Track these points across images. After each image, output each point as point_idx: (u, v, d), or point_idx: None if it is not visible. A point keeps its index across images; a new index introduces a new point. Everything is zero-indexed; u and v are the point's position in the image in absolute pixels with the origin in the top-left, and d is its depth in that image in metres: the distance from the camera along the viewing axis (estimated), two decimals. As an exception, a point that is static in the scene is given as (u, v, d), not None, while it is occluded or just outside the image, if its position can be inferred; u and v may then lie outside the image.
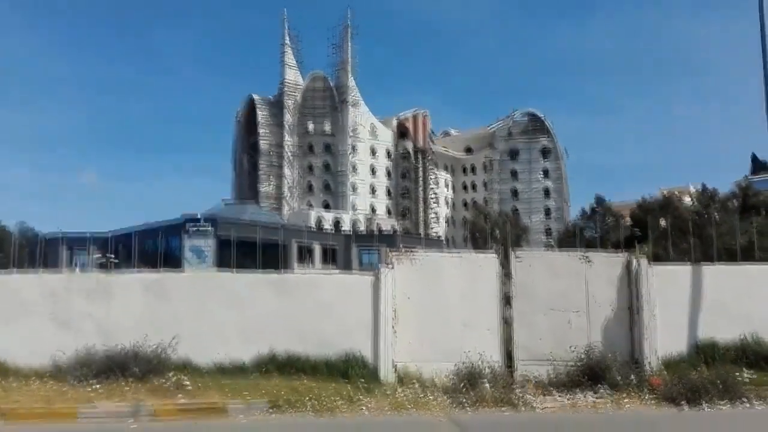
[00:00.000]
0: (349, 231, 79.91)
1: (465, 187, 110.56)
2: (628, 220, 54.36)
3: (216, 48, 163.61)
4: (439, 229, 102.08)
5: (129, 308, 15.30)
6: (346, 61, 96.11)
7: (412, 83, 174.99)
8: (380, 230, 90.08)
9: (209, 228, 47.70)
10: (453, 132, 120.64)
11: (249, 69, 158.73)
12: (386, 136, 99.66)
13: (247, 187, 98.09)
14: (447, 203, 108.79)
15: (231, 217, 50.60)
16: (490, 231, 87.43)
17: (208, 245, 47.92)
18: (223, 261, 42.52)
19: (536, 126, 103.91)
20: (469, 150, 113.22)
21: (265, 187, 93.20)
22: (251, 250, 41.94)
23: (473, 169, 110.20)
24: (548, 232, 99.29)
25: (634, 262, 16.18)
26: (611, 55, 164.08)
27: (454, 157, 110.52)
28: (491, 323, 15.54)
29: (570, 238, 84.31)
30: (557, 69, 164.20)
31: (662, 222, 44.31)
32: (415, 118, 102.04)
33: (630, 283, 16.13)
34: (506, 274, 16.56)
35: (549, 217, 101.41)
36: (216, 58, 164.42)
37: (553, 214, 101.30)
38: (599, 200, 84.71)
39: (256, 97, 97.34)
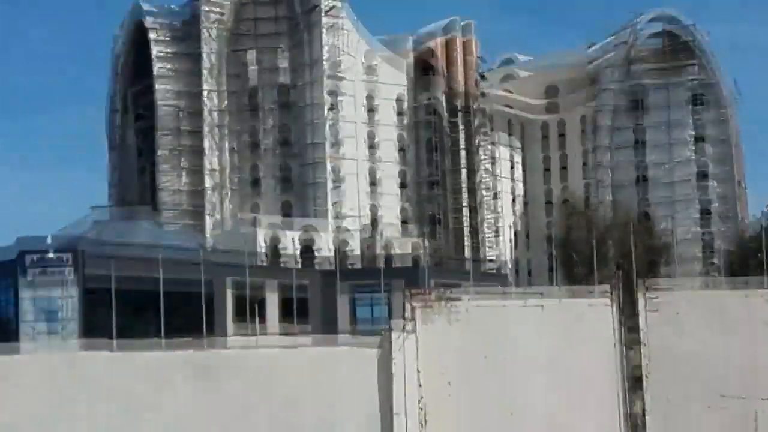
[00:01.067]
0: (331, 261, 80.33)
1: (547, 167, 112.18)
2: None
3: None
4: (501, 248, 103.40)
5: None
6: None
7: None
8: (389, 257, 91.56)
9: (67, 265, 48.28)
10: (521, 59, 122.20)
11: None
12: (396, 77, 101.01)
13: (135, 182, 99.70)
14: (513, 197, 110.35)
15: (108, 241, 50.77)
16: (597, 248, 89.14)
17: (67, 296, 48.61)
18: (94, 325, 43.20)
19: (678, 45, 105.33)
20: (552, 96, 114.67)
21: (169, 183, 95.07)
22: (149, 303, 42.37)
23: (562, 132, 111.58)
24: (709, 246, 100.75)
25: None
26: None
27: (524, 112, 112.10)
28: (605, 422, 16.10)
29: (751, 258, 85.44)
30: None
31: None
32: (448, 41, 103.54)
33: None
34: (631, 329, 17.13)
35: (709, 217, 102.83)
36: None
37: (718, 211, 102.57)
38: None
39: (147, 10, 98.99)
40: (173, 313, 45.60)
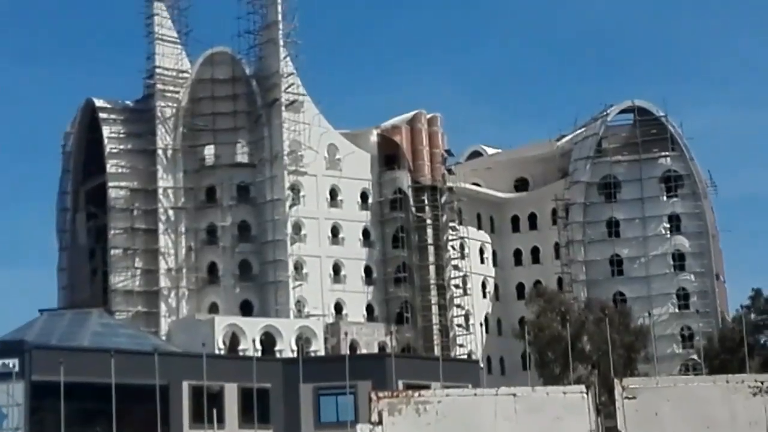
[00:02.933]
0: (293, 354, 79.53)
1: (518, 256, 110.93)
2: None
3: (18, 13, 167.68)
4: (472, 341, 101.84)
5: None
6: (274, 25, 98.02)
7: (402, 66, 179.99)
8: (354, 350, 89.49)
9: (12, 366, 47.16)
10: (489, 151, 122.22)
11: (87, 52, 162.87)
12: (360, 171, 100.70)
13: (87, 279, 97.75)
14: (485, 289, 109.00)
15: (56, 341, 50.56)
16: (571, 342, 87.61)
17: (12, 400, 47.41)
18: (44, 428, 41.97)
19: (651, 131, 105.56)
20: (522, 183, 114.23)
21: (123, 279, 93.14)
22: (101, 404, 40.99)
23: (533, 221, 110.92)
24: (686, 338, 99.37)
25: None
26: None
27: (493, 199, 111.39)
28: None
29: (731, 350, 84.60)
30: (676, 21, 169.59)
31: None
32: (413, 125, 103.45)
33: None
34: (610, 429, 17.37)
35: (686, 307, 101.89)
36: (20, 32, 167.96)
37: (695, 300, 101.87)
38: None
39: (99, 102, 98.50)
40: (127, 416, 43.91)
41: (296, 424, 51.80)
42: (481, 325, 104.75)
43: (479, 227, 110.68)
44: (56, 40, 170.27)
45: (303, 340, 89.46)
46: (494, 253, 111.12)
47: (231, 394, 52.33)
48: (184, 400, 50.40)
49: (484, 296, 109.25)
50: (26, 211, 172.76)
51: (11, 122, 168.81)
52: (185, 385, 50.35)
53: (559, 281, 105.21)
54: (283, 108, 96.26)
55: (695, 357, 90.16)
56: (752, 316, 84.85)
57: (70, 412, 42.05)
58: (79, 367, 45.42)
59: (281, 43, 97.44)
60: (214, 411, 49.24)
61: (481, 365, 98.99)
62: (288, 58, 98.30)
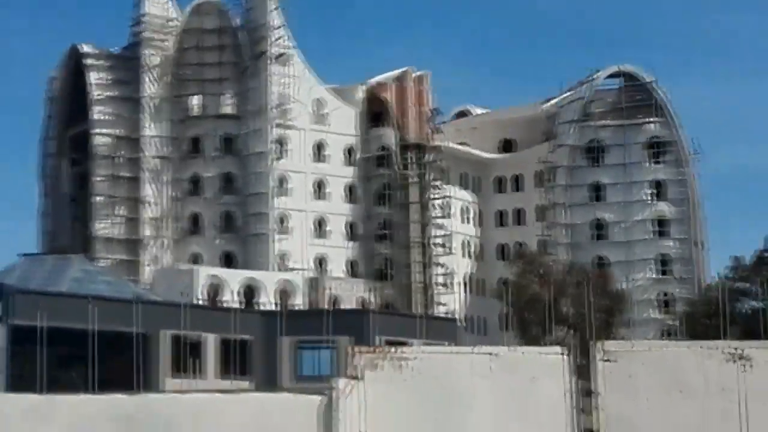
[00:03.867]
0: (274, 307, 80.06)
1: (501, 217, 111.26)
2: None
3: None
4: (453, 300, 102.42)
5: None
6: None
7: (392, 24, 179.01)
8: (335, 304, 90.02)
9: None
10: (477, 112, 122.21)
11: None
12: (345, 121, 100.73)
13: (68, 226, 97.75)
14: (467, 248, 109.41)
15: (36, 286, 50.86)
16: (551, 303, 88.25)
17: None
18: (23, 371, 42.40)
19: (637, 97, 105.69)
20: (508, 145, 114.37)
21: (105, 226, 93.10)
22: (79, 351, 41.46)
23: (517, 182, 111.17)
24: (665, 303, 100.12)
25: None
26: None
27: (479, 159, 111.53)
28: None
29: (709, 316, 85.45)
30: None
31: None
32: (401, 82, 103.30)
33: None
34: (588, 392, 17.33)
35: (666, 273, 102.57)
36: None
37: (676, 267, 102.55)
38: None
39: (85, 48, 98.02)
40: (107, 362, 44.48)
41: (275, 376, 52.42)
42: (463, 284, 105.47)
43: (464, 187, 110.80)
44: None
45: (284, 293, 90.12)
46: (478, 214, 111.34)
47: (211, 344, 52.78)
48: (163, 350, 50.79)
49: (466, 256, 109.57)
50: (8, 156, 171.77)
51: (3, 69, 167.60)
52: (165, 334, 50.70)
53: (543, 243, 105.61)
54: (270, 61, 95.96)
55: (673, 323, 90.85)
56: (733, 284, 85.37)
57: (50, 357, 42.36)
58: (60, 312, 45.76)
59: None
60: (194, 361, 49.66)
61: (462, 324, 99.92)
62: (277, 11, 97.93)
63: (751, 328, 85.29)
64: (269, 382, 49.03)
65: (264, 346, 54.33)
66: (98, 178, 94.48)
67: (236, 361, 51.23)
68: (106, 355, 43.88)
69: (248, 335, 52.90)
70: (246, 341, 52.83)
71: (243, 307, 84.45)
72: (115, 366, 44.05)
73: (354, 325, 54.47)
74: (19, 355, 44.55)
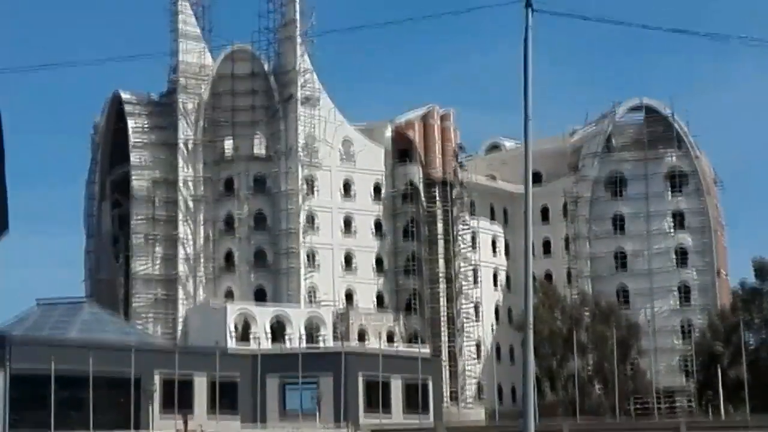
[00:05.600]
0: (303, 342, 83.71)
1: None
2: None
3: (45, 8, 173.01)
4: (480, 330, 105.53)
5: None
6: (291, 23, 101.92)
7: (415, 66, 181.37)
8: (363, 338, 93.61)
9: None
10: (507, 143, 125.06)
11: (113, 46, 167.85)
12: (373, 158, 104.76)
13: (110, 264, 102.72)
14: (497, 280, 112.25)
15: (47, 332, 53.48)
16: (569, 335, 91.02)
17: None
18: (22, 416, 44.74)
19: (658, 130, 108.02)
20: (535, 177, 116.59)
21: (143, 265, 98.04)
22: (78, 394, 44.86)
23: (545, 214, 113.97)
24: (688, 332, 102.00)
25: None
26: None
27: (506, 192, 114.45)
28: None
29: (723, 339, 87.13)
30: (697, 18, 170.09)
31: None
32: (426, 120, 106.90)
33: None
34: None
35: (688, 302, 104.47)
36: (50, 25, 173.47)
37: (696, 296, 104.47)
38: (760, 267, 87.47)
39: (125, 95, 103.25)
40: (104, 406, 47.32)
41: (263, 413, 54.88)
42: (493, 314, 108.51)
43: (492, 219, 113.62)
44: (90, 35, 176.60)
45: (313, 327, 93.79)
46: (507, 245, 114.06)
47: (201, 384, 55.66)
48: (157, 389, 53.71)
49: (496, 287, 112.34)
50: (56, 196, 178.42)
51: (51, 114, 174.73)
52: (157, 375, 53.71)
53: (569, 273, 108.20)
54: (298, 103, 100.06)
55: (689, 353, 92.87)
56: (742, 314, 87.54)
57: (50, 401, 45.13)
58: (60, 358, 48.95)
59: (299, 40, 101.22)
60: (184, 400, 52.34)
61: (491, 347, 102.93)
62: (305, 55, 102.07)
63: (758, 357, 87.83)
64: (257, 419, 51.65)
65: (252, 385, 57.16)
66: (137, 219, 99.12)
67: (225, 399, 53.97)
68: (103, 397, 46.78)
69: (237, 373, 55.91)
70: (235, 381, 55.80)
71: (272, 341, 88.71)
72: (112, 407, 46.93)
73: (335, 364, 57.16)
74: (18, 399, 47.65)
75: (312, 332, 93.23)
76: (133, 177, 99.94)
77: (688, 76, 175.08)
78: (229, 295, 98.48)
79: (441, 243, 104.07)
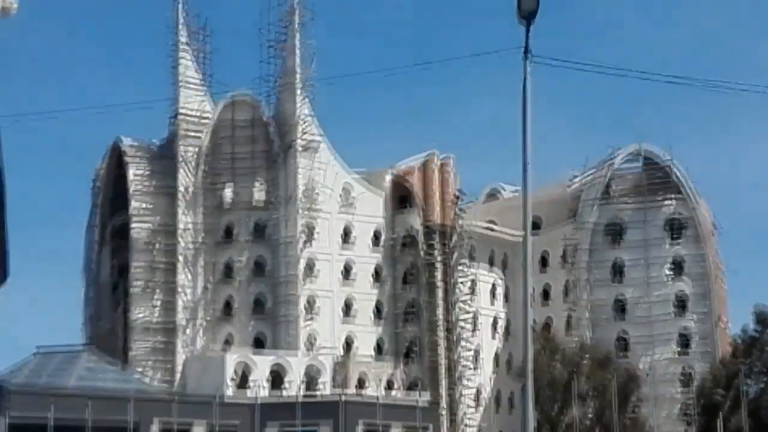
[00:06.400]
0: (301, 389, 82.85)
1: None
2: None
3: (54, 53, 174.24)
4: (480, 377, 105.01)
5: None
6: (291, 71, 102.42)
7: (415, 113, 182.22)
8: (362, 385, 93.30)
9: None
10: (506, 189, 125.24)
11: (115, 93, 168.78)
12: (372, 205, 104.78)
13: (109, 312, 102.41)
14: (496, 327, 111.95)
15: (46, 380, 53.44)
16: (568, 382, 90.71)
17: None
18: None
19: (657, 177, 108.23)
20: (535, 224, 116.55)
21: (143, 312, 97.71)
22: None
23: (544, 261, 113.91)
24: (688, 380, 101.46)
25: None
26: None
27: (506, 239, 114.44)
28: None
29: (724, 387, 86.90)
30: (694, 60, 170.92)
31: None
32: (426, 167, 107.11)
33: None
34: None
35: (687, 349, 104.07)
36: (60, 69, 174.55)
37: (696, 343, 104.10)
38: (761, 315, 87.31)
39: (126, 142, 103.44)
40: None
41: None
42: (493, 361, 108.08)
43: (492, 265, 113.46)
44: (92, 83, 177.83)
45: (312, 375, 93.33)
46: (506, 292, 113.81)
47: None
48: None
49: (495, 334, 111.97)
50: (59, 243, 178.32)
51: (52, 161, 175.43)
52: (155, 424, 53.57)
53: (568, 321, 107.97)
54: (298, 151, 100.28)
55: (689, 401, 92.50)
56: (741, 361, 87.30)
57: None
58: (58, 406, 48.90)
59: (299, 88, 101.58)
60: None
61: (488, 398, 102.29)
62: (305, 103, 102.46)
63: (758, 406, 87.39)
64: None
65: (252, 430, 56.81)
66: (137, 266, 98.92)
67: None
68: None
69: (236, 422, 55.79)
70: (233, 429, 55.60)
71: (271, 388, 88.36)
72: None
73: (334, 412, 57.02)
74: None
75: (311, 380, 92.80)
76: (133, 224, 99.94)
77: (686, 123, 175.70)
78: (228, 342, 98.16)
79: (440, 290, 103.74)
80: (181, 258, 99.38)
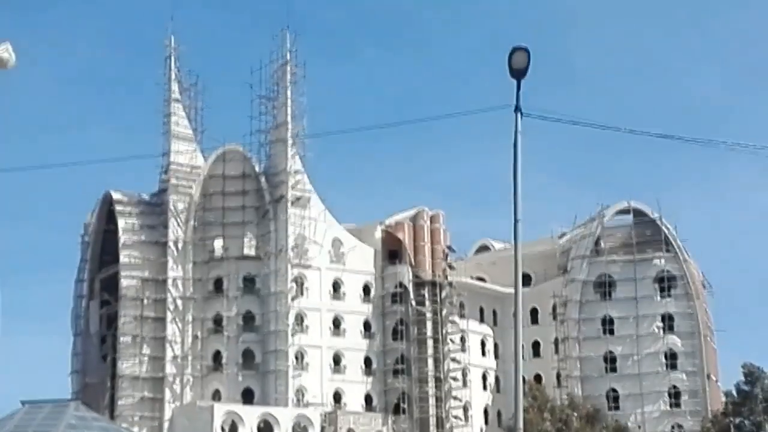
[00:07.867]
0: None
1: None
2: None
3: (49, 109, 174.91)
4: (467, 430, 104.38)
5: None
6: (283, 126, 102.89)
7: (405, 167, 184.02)
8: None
9: None
10: (496, 245, 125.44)
11: (105, 146, 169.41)
12: (362, 259, 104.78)
13: (97, 364, 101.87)
14: (486, 382, 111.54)
15: None
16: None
17: None
18: None
19: (646, 233, 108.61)
20: (525, 279, 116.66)
21: (131, 365, 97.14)
22: None
23: (534, 316, 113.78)
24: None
25: None
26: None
27: (496, 294, 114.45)
28: None
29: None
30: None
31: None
32: (416, 221, 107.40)
33: None
34: None
35: (678, 405, 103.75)
36: (53, 124, 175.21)
37: (686, 400, 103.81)
38: (750, 373, 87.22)
39: (116, 195, 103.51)
40: None
41: None
42: (483, 416, 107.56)
43: (482, 320, 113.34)
44: (82, 136, 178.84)
45: (300, 429, 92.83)
46: (496, 346, 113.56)
47: None
48: None
49: (485, 388, 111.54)
50: (47, 295, 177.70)
51: (41, 213, 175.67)
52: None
53: (558, 376, 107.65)
54: (289, 204, 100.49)
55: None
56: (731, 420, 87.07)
57: None
58: None
59: (290, 143, 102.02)
60: None
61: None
62: (296, 156, 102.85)
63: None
64: None
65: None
66: (125, 319, 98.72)
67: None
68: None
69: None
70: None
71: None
72: None
73: None
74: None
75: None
76: (122, 276, 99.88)
77: (676, 179, 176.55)
78: (217, 395, 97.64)
79: (430, 343, 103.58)
80: (170, 311, 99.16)
